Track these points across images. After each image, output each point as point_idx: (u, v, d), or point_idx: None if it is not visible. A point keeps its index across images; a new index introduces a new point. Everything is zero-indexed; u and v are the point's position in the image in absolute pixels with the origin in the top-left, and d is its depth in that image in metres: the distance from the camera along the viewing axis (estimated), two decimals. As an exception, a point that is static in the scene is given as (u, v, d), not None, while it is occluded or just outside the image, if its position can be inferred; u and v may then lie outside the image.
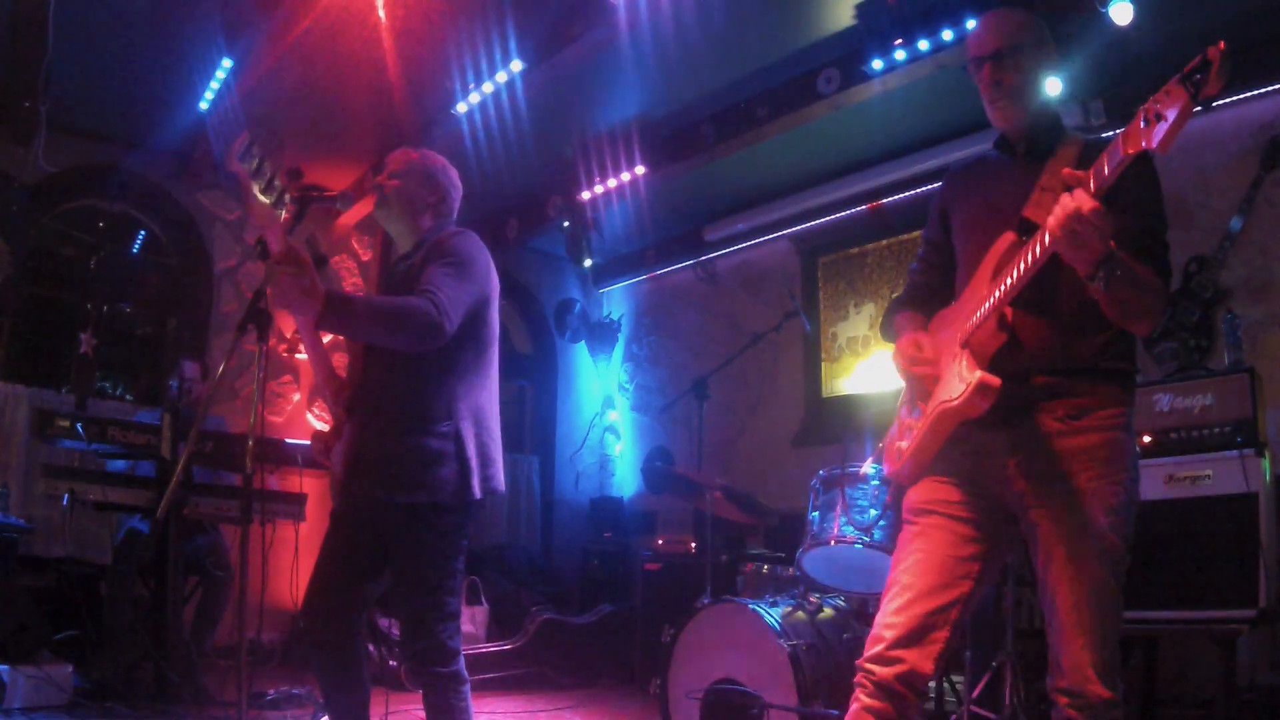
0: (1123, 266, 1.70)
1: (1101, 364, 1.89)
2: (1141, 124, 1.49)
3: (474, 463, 2.35)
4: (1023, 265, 1.80)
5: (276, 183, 2.11)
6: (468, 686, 2.33)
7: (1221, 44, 1.40)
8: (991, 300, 1.86)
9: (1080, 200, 1.60)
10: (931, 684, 1.95)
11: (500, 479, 2.45)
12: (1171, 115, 1.44)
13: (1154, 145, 1.47)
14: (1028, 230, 1.86)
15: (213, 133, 5.36)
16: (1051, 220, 1.66)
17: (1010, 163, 2.09)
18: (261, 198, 2.11)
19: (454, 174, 2.65)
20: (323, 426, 2.53)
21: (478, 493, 2.35)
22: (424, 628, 2.28)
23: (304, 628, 2.43)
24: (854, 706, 1.93)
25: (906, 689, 1.88)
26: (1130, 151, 1.53)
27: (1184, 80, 1.42)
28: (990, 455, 1.94)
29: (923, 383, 2.02)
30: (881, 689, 1.89)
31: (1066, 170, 1.66)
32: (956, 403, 1.88)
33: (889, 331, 2.26)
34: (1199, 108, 1.42)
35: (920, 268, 2.28)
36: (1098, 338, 1.90)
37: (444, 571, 2.32)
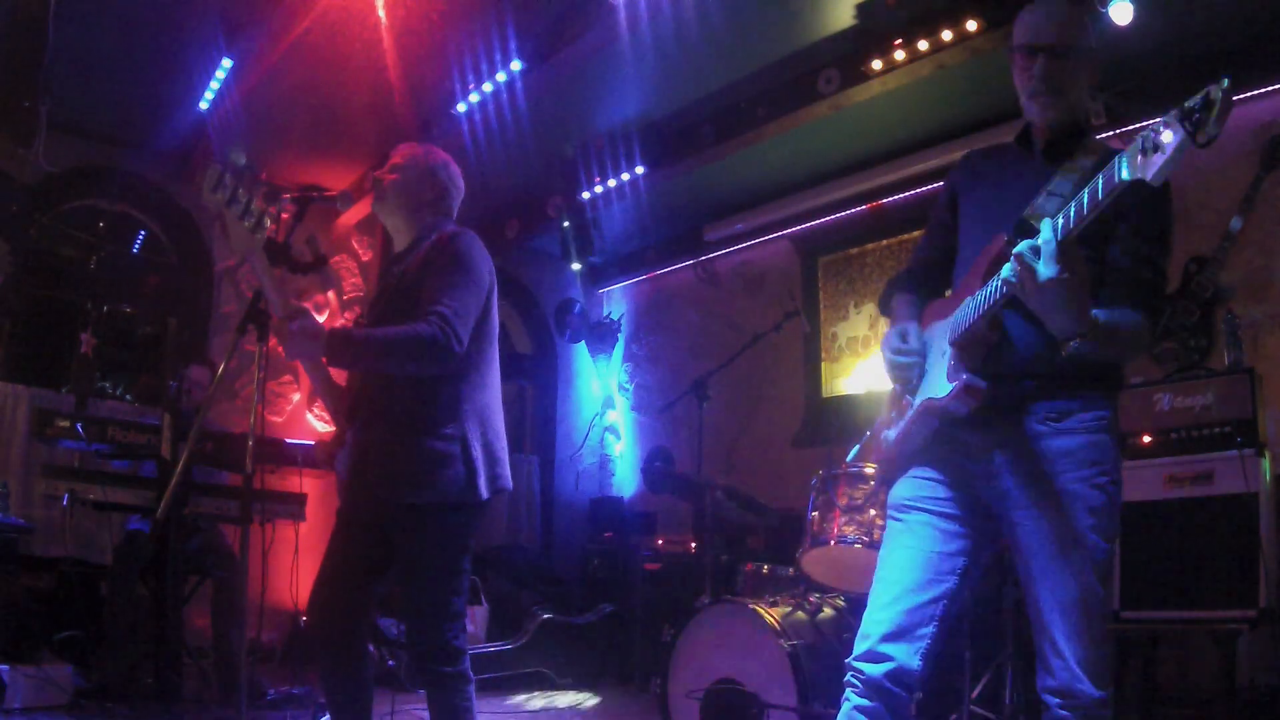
0: (1099, 336, 1.69)
1: (1088, 368, 1.88)
2: (1139, 152, 1.46)
3: (480, 463, 2.34)
4: (996, 290, 1.79)
5: (254, 207, 2.11)
6: (472, 686, 2.33)
7: (1225, 82, 1.36)
8: (983, 301, 1.84)
9: (1042, 269, 1.60)
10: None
11: (507, 476, 2.44)
12: (1169, 150, 1.41)
13: (1148, 177, 1.45)
14: (1024, 231, 1.85)
15: (213, 133, 5.36)
16: (1009, 271, 1.67)
17: (1026, 157, 2.06)
18: (241, 225, 2.12)
19: (456, 172, 2.62)
20: (323, 427, 2.54)
21: (485, 493, 2.34)
22: (429, 627, 2.28)
23: (308, 628, 2.42)
24: (845, 707, 1.93)
25: (897, 686, 1.88)
26: (1124, 179, 1.50)
27: (1183, 118, 1.38)
28: (974, 454, 1.94)
29: (907, 372, 2.01)
30: (872, 688, 1.89)
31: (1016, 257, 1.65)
32: (943, 401, 1.88)
33: (888, 307, 2.26)
34: (1197, 146, 1.38)
35: (925, 245, 2.27)
36: None
37: (449, 571, 2.31)
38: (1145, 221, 1.86)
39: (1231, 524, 3.23)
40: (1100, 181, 1.55)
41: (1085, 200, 1.58)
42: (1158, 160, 1.43)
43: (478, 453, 2.34)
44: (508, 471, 2.45)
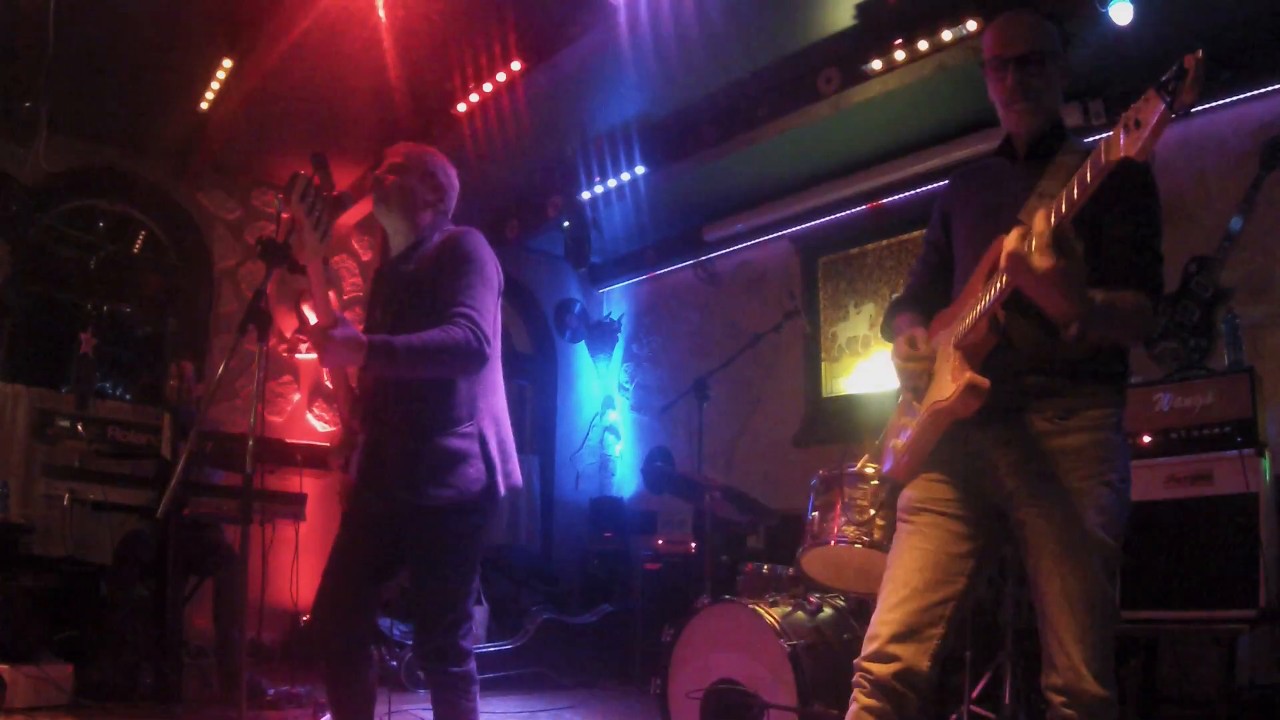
0: (1100, 316, 1.70)
1: (1091, 365, 1.90)
2: (1122, 131, 1.50)
3: (497, 459, 2.36)
4: (995, 289, 1.81)
5: (324, 217, 2.14)
6: (477, 687, 2.33)
7: (1199, 52, 1.39)
8: (984, 303, 1.87)
9: (1038, 260, 1.61)
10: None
11: (518, 473, 2.46)
12: (1150, 123, 1.44)
13: (1132, 153, 1.47)
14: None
15: (213, 133, 5.36)
16: (1003, 261, 1.69)
17: (1011, 166, 2.09)
18: (312, 233, 2.15)
19: (454, 173, 2.64)
20: (323, 427, 2.54)
21: (503, 489, 2.36)
22: (440, 628, 2.28)
23: (313, 630, 2.41)
24: (853, 707, 1.94)
25: (905, 687, 1.89)
26: (1111, 159, 1.53)
27: (1160, 89, 1.42)
28: (982, 455, 1.96)
29: (916, 379, 2.03)
30: (879, 688, 1.90)
31: (1012, 235, 1.67)
32: (947, 402, 1.90)
33: (889, 331, 2.27)
34: (1175, 116, 1.41)
35: (920, 269, 2.30)
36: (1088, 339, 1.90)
37: (463, 572, 2.33)
38: (1133, 205, 1.89)
39: (1231, 524, 3.22)
40: (1088, 166, 1.58)
41: (1075, 187, 1.61)
42: (1139, 137, 1.45)
43: (494, 449, 2.36)
44: (518, 468, 2.47)
